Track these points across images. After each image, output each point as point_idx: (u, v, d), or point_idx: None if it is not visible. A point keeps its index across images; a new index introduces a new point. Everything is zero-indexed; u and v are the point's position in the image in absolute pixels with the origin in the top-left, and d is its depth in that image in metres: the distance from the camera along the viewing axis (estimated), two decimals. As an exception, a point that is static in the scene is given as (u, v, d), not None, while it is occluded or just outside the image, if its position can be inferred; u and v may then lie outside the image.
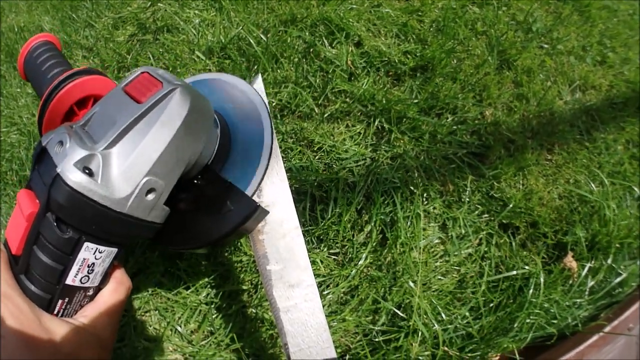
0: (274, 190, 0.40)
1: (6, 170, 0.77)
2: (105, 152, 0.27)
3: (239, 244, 0.55)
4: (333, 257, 0.55)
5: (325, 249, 0.54)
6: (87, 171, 0.26)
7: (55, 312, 0.30)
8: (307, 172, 0.55)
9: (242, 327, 0.53)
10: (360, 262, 0.52)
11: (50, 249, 0.28)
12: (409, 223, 0.53)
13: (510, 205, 0.56)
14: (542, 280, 0.53)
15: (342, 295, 0.54)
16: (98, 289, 0.32)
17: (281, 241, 0.41)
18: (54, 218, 0.27)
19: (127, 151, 0.28)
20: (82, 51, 0.82)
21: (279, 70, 0.65)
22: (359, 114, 0.60)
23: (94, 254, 0.29)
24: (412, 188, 0.56)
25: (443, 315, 0.50)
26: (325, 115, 0.59)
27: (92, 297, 0.32)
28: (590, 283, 0.56)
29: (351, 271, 0.52)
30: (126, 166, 0.27)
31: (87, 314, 0.31)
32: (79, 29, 0.87)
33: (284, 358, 0.51)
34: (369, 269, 0.54)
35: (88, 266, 0.29)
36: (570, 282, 0.56)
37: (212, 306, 0.54)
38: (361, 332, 0.52)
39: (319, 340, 0.41)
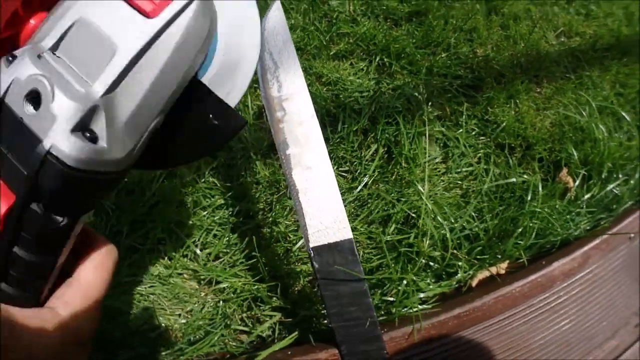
0: (292, 84, 0.46)
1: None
2: (107, 99, 0.19)
3: (253, 166, 0.59)
4: (342, 174, 0.58)
5: (335, 167, 0.58)
6: (88, 135, 0.18)
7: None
8: (316, 97, 0.60)
9: (257, 245, 0.56)
10: (368, 174, 0.56)
11: (37, 246, 0.21)
12: (412, 139, 0.57)
13: (504, 124, 0.61)
14: (540, 188, 0.56)
15: (352, 210, 0.57)
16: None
17: (298, 128, 0.45)
18: (42, 208, 0.20)
19: (135, 91, 0.20)
20: None
21: (287, 20, 0.71)
22: (361, 53, 0.66)
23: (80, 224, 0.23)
24: (414, 112, 0.60)
25: (451, 219, 0.53)
26: (331, 53, 0.65)
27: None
28: (586, 196, 0.59)
29: (360, 182, 0.56)
30: (133, 112, 0.20)
31: (68, 304, 0.24)
32: None
33: (300, 267, 0.54)
34: (377, 185, 0.57)
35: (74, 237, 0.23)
36: (568, 195, 0.60)
37: (227, 227, 0.56)
38: (373, 244, 0.55)
39: (335, 221, 0.44)
